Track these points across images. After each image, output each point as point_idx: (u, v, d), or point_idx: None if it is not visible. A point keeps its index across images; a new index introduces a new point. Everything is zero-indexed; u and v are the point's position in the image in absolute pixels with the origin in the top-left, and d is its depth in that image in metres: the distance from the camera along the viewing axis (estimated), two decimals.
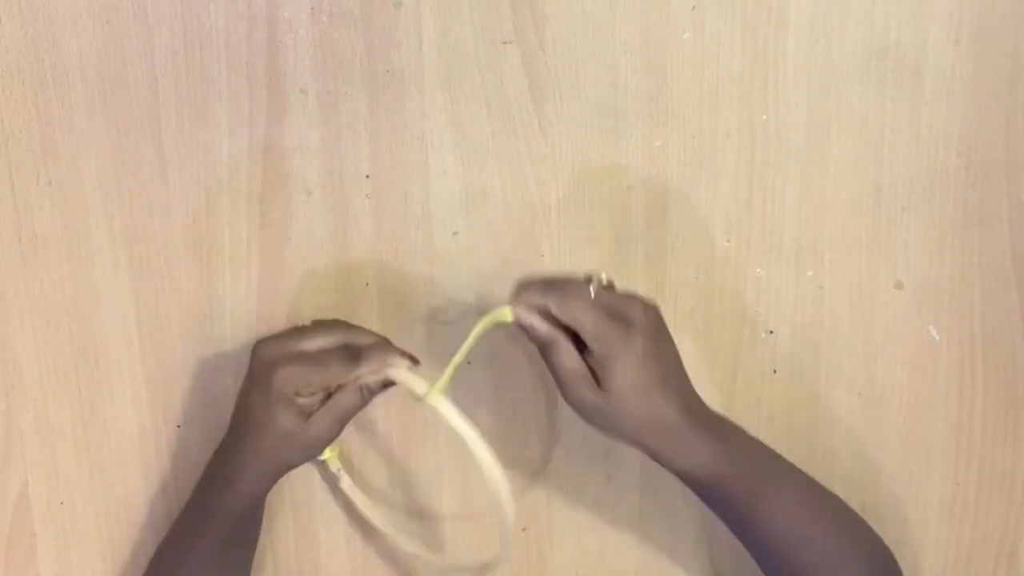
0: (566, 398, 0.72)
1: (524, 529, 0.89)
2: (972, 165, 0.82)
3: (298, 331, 0.78)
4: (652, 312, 0.73)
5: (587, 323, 0.70)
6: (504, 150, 0.81)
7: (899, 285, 0.84)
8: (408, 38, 0.79)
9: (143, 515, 0.87)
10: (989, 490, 0.88)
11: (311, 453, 0.78)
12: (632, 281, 0.83)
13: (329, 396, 0.75)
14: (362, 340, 0.76)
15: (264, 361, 0.75)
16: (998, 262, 0.84)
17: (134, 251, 0.82)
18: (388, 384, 0.75)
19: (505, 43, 0.79)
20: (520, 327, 0.72)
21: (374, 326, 0.84)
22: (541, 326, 0.71)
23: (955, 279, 0.84)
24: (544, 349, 0.72)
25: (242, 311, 0.84)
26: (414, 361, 0.76)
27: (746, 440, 0.79)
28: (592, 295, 0.71)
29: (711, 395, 0.86)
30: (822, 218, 0.83)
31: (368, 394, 0.75)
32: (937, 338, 0.85)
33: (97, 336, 0.84)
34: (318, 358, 0.75)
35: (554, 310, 0.71)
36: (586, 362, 0.71)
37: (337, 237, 0.83)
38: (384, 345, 0.76)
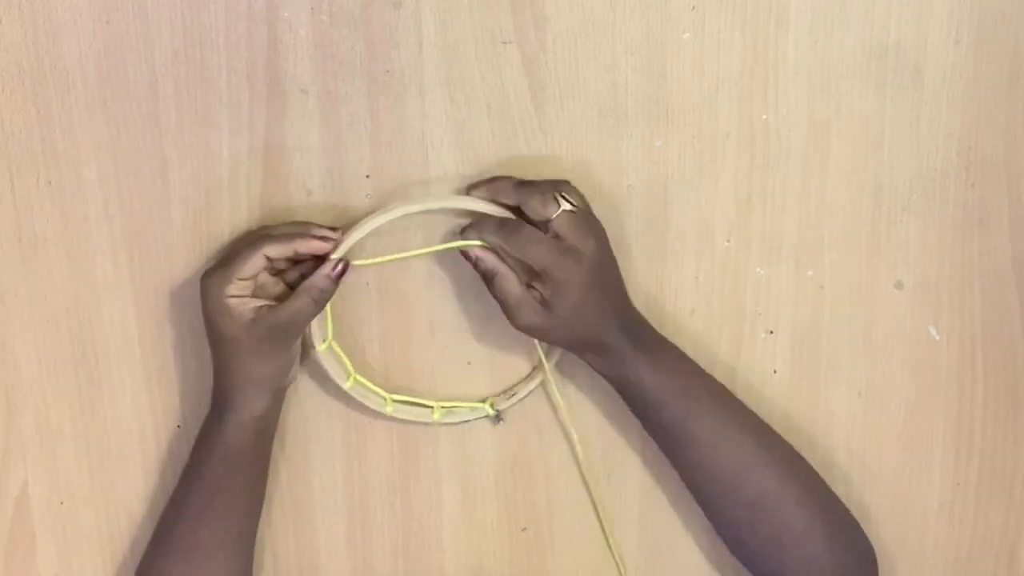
0: (511, 321, 0.78)
1: (524, 529, 0.89)
2: (972, 165, 0.82)
3: (230, 244, 0.80)
4: (600, 241, 0.78)
5: (536, 260, 0.76)
6: (504, 150, 0.81)
7: (899, 285, 0.84)
8: (408, 38, 0.79)
9: (143, 515, 0.87)
10: (989, 490, 0.88)
11: (277, 346, 0.78)
12: (632, 281, 0.83)
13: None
14: (282, 229, 0.79)
15: (201, 291, 0.78)
16: (998, 262, 0.84)
17: (134, 251, 0.82)
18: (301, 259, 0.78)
19: (505, 43, 0.79)
20: (466, 258, 0.78)
21: (374, 326, 0.84)
22: (487, 259, 0.77)
23: (955, 279, 0.84)
24: (487, 278, 0.78)
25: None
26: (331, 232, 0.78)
27: (683, 360, 0.82)
28: (555, 215, 0.76)
29: None
30: (822, 218, 0.83)
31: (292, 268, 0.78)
32: (937, 338, 0.85)
33: (97, 336, 0.84)
34: (226, 254, 0.78)
35: (507, 248, 0.77)
36: (533, 286, 0.76)
37: None
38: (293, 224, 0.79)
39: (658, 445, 0.82)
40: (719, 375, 0.85)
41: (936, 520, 0.88)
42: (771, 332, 0.85)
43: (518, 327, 0.78)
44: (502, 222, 0.78)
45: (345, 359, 0.82)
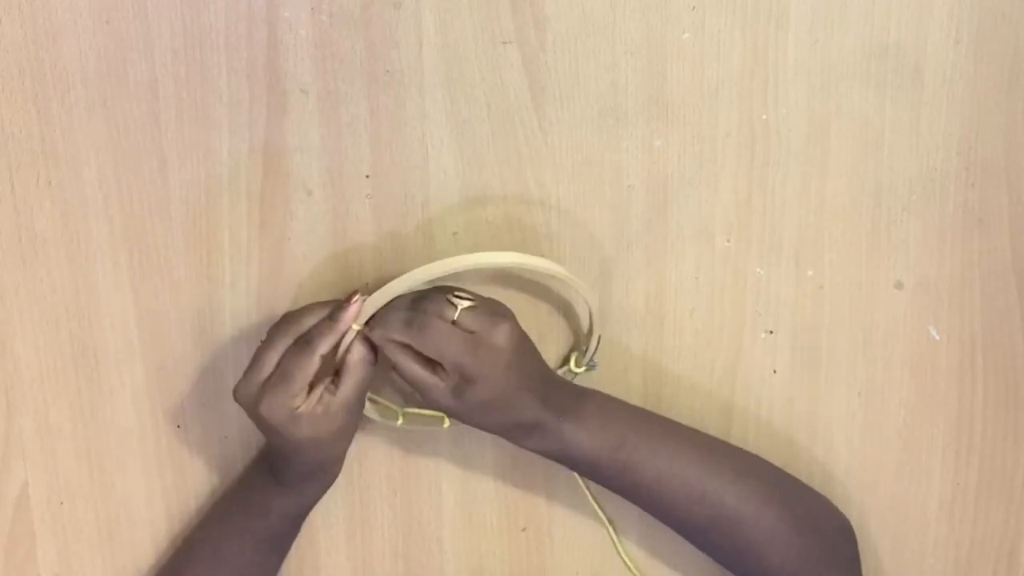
0: (424, 401, 0.77)
1: (524, 529, 0.89)
2: (972, 165, 0.82)
3: (256, 356, 0.77)
4: (511, 324, 0.75)
5: (447, 355, 0.74)
6: (504, 150, 0.81)
7: (899, 285, 0.84)
8: (408, 38, 0.79)
9: (143, 515, 0.87)
10: (989, 490, 0.88)
11: (344, 435, 0.79)
12: (632, 281, 0.83)
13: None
14: (306, 322, 0.76)
15: (248, 406, 0.77)
16: (998, 262, 0.84)
17: (134, 251, 0.82)
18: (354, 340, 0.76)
19: (505, 43, 0.79)
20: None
21: None
22: (393, 353, 0.75)
23: (955, 279, 0.84)
24: (394, 363, 0.75)
25: (242, 311, 0.84)
26: (352, 297, 0.76)
27: (611, 413, 0.80)
28: (455, 317, 0.74)
29: (711, 395, 0.86)
30: (822, 218, 0.83)
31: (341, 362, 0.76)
32: (937, 338, 0.85)
33: (97, 336, 0.84)
34: (281, 372, 0.75)
35: (416, 347, 0.74)
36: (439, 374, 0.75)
37: (337, 237, 0.83)
38: (322, 313, 0.77)
39: (608, 489, 0.82)
40: (719, 375, 0.85)
41: (936, 520, 0.88)
42: (771, 332, 0.85)
43: (429, 406, 0.78)
44: (409, 319, 0.75)
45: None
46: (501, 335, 0.74)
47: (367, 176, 0.81)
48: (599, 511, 0.88)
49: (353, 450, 0.86)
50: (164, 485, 0.87)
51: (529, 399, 0.76)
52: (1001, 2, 0.79)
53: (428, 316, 0.74)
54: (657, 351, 0.85)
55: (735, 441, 0.85)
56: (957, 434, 0.87)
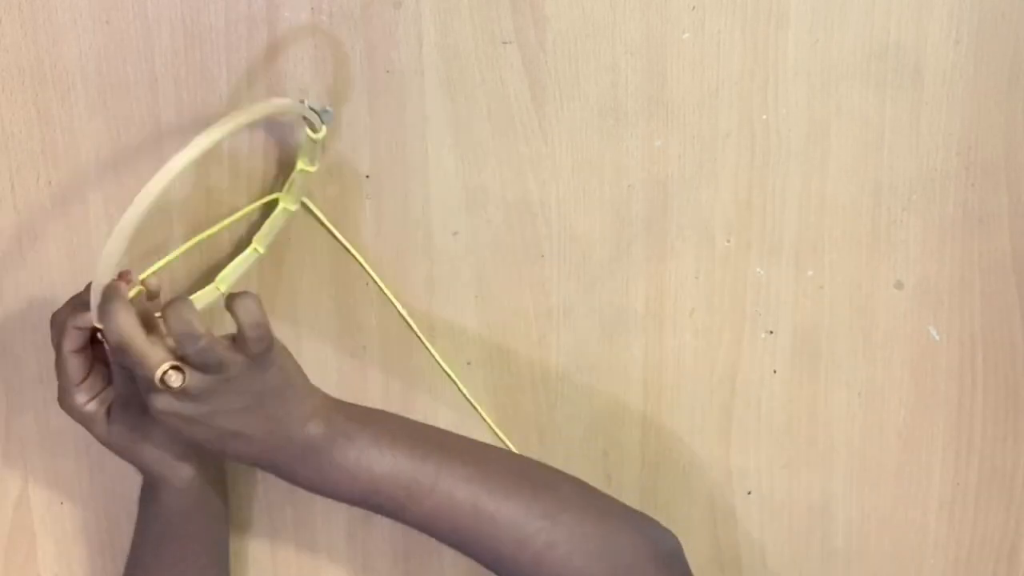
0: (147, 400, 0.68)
1: None
2: (972, 165, 0.82)
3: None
4: (260, 349, 0.67)
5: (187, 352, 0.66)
6: (504, 150, 0.81)
7: (899, 285, 0.84)
8: (408, 38, 0.79)
9: None
10: (989, 490, 0.88)
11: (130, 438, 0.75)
12: (632, 281, 0.83)
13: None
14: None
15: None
16: (998, 262, 0.84)
17: (134, 251, 0.82)
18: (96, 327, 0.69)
19: (505, 43, 0.79)
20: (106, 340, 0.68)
21: (373, 326, 0.84)
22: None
23: (955, 279, 0.84)
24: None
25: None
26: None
27: (381, 437, 0.72)
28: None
29: (711, 395, 0.86)
30: (822, 218, 0.83)
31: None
32: (937, 338, 0.85)
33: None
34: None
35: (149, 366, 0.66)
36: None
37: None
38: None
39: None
40: (719, 375, 0.85)
41: (936, 520, 0.88)
42: (771, 332, 0.85)
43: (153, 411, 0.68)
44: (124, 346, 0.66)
45: None
46: (236, 363, 0.67)
47: (367, 176, 0.81)
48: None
49: None
50: None
51: (276, 430, 0.69)
52: (1001, 2, 0.79)
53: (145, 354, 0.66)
54: (657, 351, 0.85)
55: (735, 441, 0.85)
56: (957, 434, 0.87)
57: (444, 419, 0.86)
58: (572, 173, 0.81)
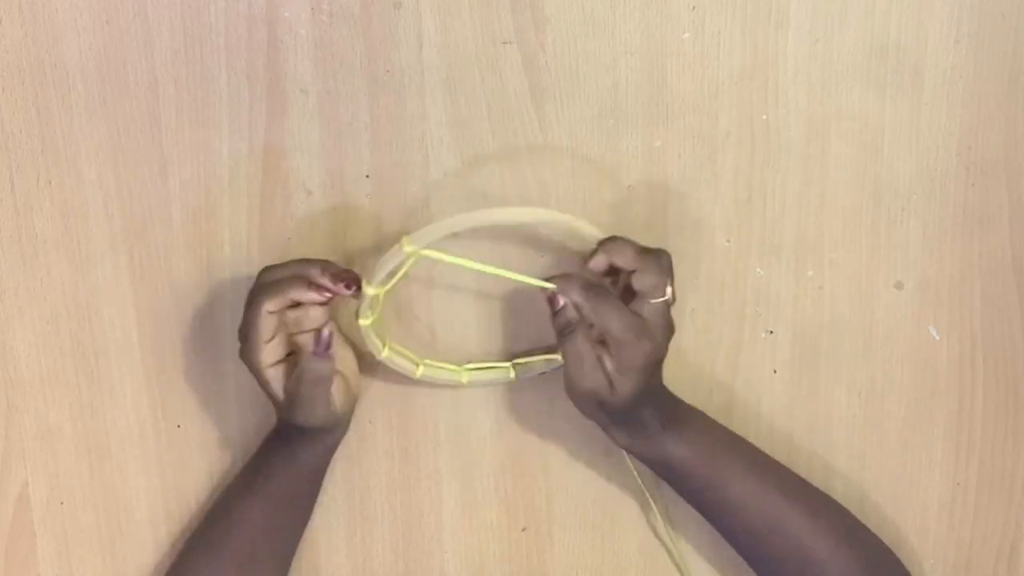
0: (568, 381, 0.76)
1: (524, 529, 0.89)
2: (972, 165, 0.82)
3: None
4: (669, 334, 0.77)
5: (614, 333, 0.74)
6: (504, 150, 0.81)
7: (899, 285, 0.84)
8: (408, 38, 0.79)
9: (143, 515, 0.87)
10: (989, 490, 0.88)
11: (316, 402, 0.78)
12: None
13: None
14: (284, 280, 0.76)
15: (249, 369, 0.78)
16: (998, 262, 0.84)
17: (134, 251, 0.82)
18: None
19: (505, 43, 0.79)
20: (550, 302, 0.75)
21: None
22: (571, 313, 0.75)
23: (955, 279, 0.84)
24: (562, 330, 0.75)
25: (242, 311, 0.83)
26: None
27: (708, 431, 0.81)
28: (655, 301, 0.75)
29: (711, 395, 0.86)
30: (822, 218, 0.83)
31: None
32: (937, 338, 0.85)
33: (97, 336, 0.84)
34: (242, 324, 0.77)
35: (586, 311, 0.74)
36: (601, 355, 0.75)
37: (337, 237, 0.83)
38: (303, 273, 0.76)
39: (689, 503, 0.83)
40: (719, 375, 0.85)
41: (936, 520, 0.88)
42: (771, 332, 0.85)
43: (572, 388, 0.76)
44: (588, 284, 0.75)
45: (375, 338, 0.80)
46: (664, 338, 0.76)
47: (367, 176, 0.81)
48: (645, 491, 0.87)
49: (353, 450, 0.86)
50: (164, 485, 0.87)
51: (646, 399, 0.77)
52: (1001, 2, 0.79)
53: (606, 290, 0.75)
54: None
55: None
56: (957, 434, 0.87)
57: (444, 418, 0.86)
58: (572, 173, 0.81)
